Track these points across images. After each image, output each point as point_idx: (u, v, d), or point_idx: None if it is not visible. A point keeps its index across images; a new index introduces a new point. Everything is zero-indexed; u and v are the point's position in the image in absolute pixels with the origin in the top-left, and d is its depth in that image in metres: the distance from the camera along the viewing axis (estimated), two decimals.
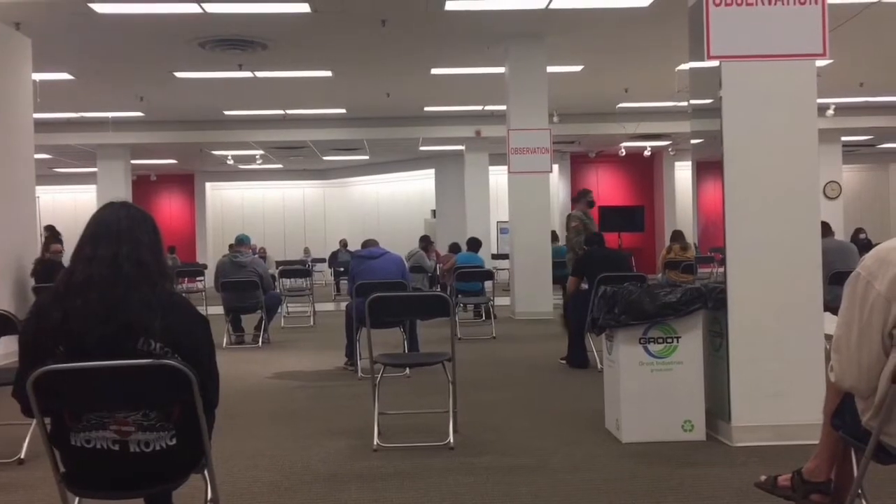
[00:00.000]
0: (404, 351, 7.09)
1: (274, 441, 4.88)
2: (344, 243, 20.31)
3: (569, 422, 5.20)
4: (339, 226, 24.09)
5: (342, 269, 16.81)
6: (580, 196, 9.96)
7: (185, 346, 2.37)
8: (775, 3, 4.46)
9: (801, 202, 4.58)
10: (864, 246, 11.73)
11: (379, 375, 4.77)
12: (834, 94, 14.57)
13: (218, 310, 9.65)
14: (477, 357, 8.06)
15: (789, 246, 4.53)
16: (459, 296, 10.69)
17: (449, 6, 9.30)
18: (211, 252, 23.17)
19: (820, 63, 4.77)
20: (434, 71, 12.73)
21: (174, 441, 2.39)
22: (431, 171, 22.10)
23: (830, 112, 15.27)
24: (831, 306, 3.94)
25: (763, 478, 3.05)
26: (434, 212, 22.06)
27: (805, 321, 4.46)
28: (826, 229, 8.98)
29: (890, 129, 18.14)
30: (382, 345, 6.05)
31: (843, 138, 19.50)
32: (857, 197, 22.77)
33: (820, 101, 13.61)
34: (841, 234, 15.76)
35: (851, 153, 21.40)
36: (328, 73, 12.82)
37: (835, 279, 6.44)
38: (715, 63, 4.58)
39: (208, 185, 25.05)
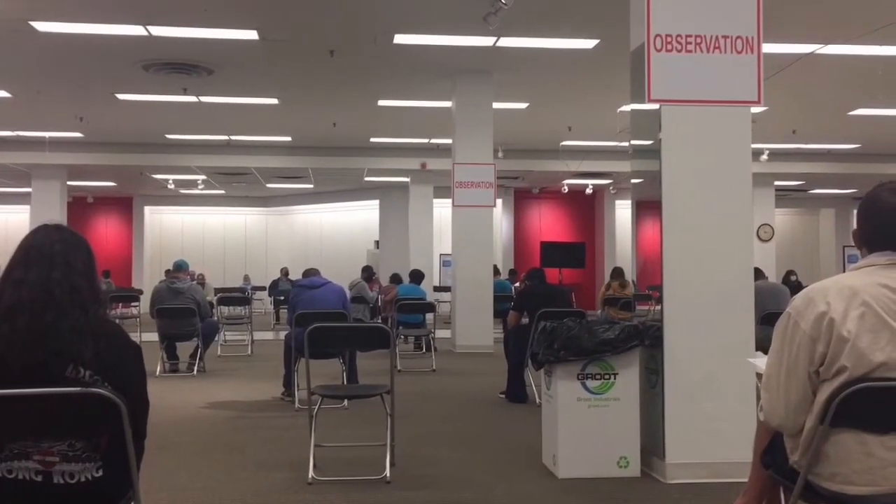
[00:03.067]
0: (343, 382, 7.01)
1: (206, 473, 4.76)
2: (285, 272, 20.10)
3: (506, 456, 5.19)
4: (281, 254, 23.85)
5: (282, 297, 16.60)
6: None
7: (115, 375, 2.30)
8: (713, 51, 4.62)
9: (735, 244, 4.70)
10: (795, 287, 12.06)
11: (316, 407, 4.71)
12: (768, 139, 15.06)
13: (153, 336, 9.42)
14: (417, 390, 8.01)
15: (723, 286, 4.64)
16: (400, 327, 10.65)
17: (398, 39, 9.37)
18: (148, 277, 22.66)
19: (755, 110, 4.93)
20: (381, 102, 12.79)
21: (100, 472, 2.31)
22: (376, 202, 22.10)
23: (764, 157, 15.78)
24: (763, 346, 4.04)
25: None
26: (377, 242, 22.02)
27: (738, 360, 4.56)
28: (758, 274, 9.21)
29: (820, 175, 18.80)
30: (321, 376, 5.97)
31: (776, 183, 20.13)
32: (789, 240, 23.49)
33: (754, 146, 14.06)
34: (773, 275, 16.21)
35: (784, 197, 22.10)
36: (274, 101, 12.77)
37: (766, 319, 6.60)
38: (655, 106, 4.70)
39: (147, 208, 24.58)
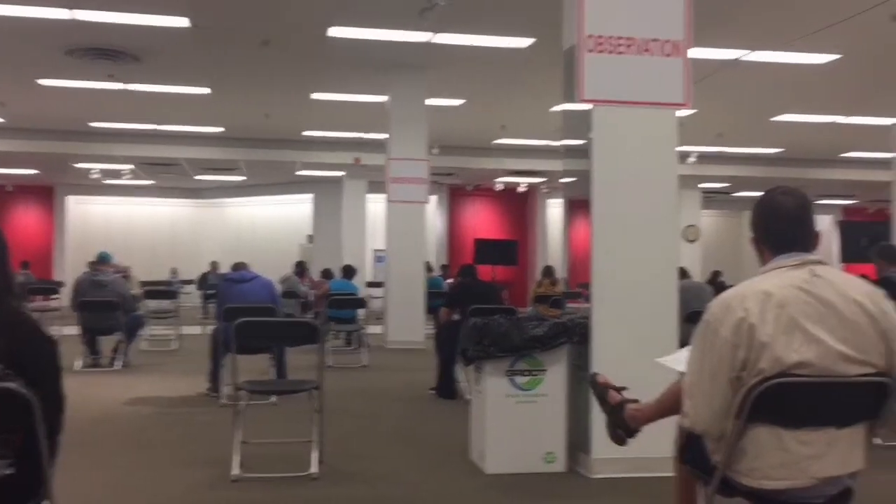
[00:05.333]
0: (272, 378, 6.92)
1: (127, 470, 4.64)
2: (215, 265, 19.73)
3: (435, 452, 5.20)
4: (211, 247, 23.37)
5: (211, 291, 16.28)
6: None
7: (28, 369, 2.21)
8: (643, 54, 4.70)
9: (661, 243, 4.80)
10: (721, 287, 12.39)
11: (243, 403, 4.63)
12: (695, 142, 15.44)
13: (74, 330, 9.13)
14: (347, 386, 7.96)
15: (649, 284, 4.73)
16: (332, 323, 10.57)
17: (332, 32, 9.28)
18: (70, 269, 21.94)
19: (683, 112, 5.04)
20: (314, 95, 12.65)
21: (11, 470, 2.22)
22: (309, 196, 21.87)
23: (692, 159, 16.17)
24: (687, 342, 4.13)
25: None
26: (310, 237, 21.79)
27: (662, 357, 4.64)
28: (683, 273, 9.43)
29: (745, 178, 19.36)
30: (250, 371, 5.88)
31: (703, 185, 20.66)
32: (715, 241, 24.13)
33: (682, 148, 14.32)
34: (699, 275, 16.62)
35: (710, 199, 22.69)
36: (206, 91, 12.51)
37: (690, 318, 6.75)
38: (586, 106, 4.76)
39: (70, 198, 23.79)
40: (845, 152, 17.42)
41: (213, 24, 9.13)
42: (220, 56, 10.58)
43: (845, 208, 24.65)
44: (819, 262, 2.40)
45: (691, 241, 20.66)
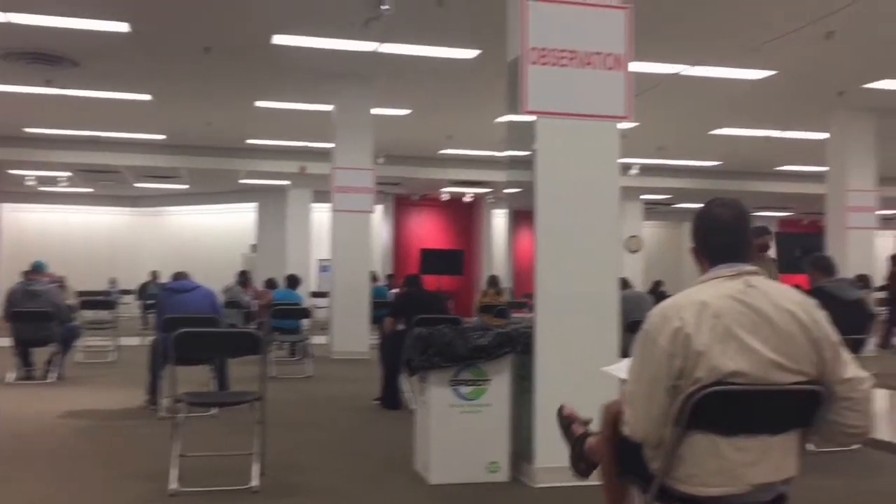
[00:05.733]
0: (214, 389, 6.80)
1: (60, 485, 4.50)
2: (155, 275, 19.34)
3: (379, 463, 5.17)
4: (152, 256, 22.89)
5: (151, 301, 15.95)
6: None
7: None
8: (586, 67, 4.76)
9: (604, 254, 4.86)
10: (662, 297, 12.59)
11: (181, 415, 4.54)
12: (637, 154, 15.71)
13: (7, 342, 8.85)
14: (290, 397, 7.87)
15: (591, 294, 4.78)
16: (275, 333, 10.44)
17: (276, 40, 9.21)
18: (4, 279, 21.24)
19: (625, 125, 5.12)
20: (259, 103, 12.53)
21: None
22: (253, 205, 21.62)
23: (634, 171, 16.45)
24: (628, 352, 4.19)
25: None
26: (254, 246, 21.54)
27: (603, 366, 4.69)
28: (625, 283, 9.56)
29: (685, 189, 19.77)
30: (191, 383, 5.76)
31: (645, 196, 21.04)
32: (657, 251, 24.56)
33: (625, 160, 14.55)
34: (641, 285, 16.89)
35: (652, 211, 23.10)
36: (147, 97, 12.28)
37: (631, 327, 6.85)
38: (530, 117, 4.80)
39: (4, 206, 23.10)
40: (780, 165, 17.92)
41: (154, 29, 8.99)
42: (161, 62, 10.41)
43: (781, 220, 25.34)
44: (755, 273, 2.46)
45: (633, 252, 21.01)
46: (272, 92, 11.89)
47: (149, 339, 8.14)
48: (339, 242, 11.50)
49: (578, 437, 3.00)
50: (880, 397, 7.45)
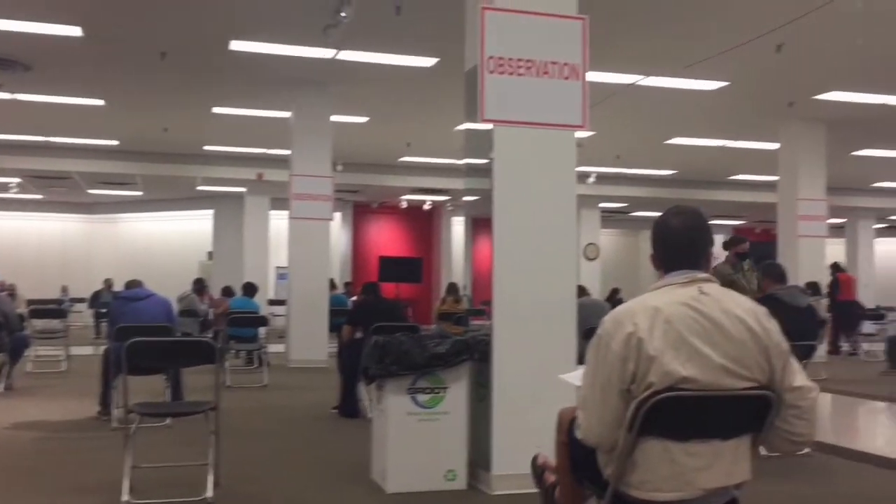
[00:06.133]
0: (168, 399, 6.69)
1: (10, 499, 4.38)
2: (108, 283, 19.00)
3: (336, 472, 5.13)
4: (105, 264, 22.49)
5: (104, 310, 15.66)
6: (728, 245, 7.85)
7: None
8: (543, 76, 4.80)
9: (561, 261, 4.89)
10: (619, 304, 12.74)
11: (134, 425, 4.45)
12: (595, 163, 15.88)
13: None
14: (246, 406, 7.77)
15: (549, 302, 4.81)
16: (231, 342, 10.32)
17: (233, 46, 9.13)
18: None
19: (583, 134, 5.17)
20: (216, 109, 12.40)
21: None
22: (210, 212, 21.37)
23: (591, 179, 16.61)
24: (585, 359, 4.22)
25: None
26: (210, 254, 21.27)
27: (561, 373, 4.72)
28: (582, 290, 9.64)
29: (642, 198, 20.02)
30: (145, 392, 5.66)
31: (602, 205, 21.26)
32: (614, 259, 24.81)
33: (582, 169, 14.70)
34: (599, 293, 17.06)
35: (609, 218, 23.34)
36: (100, 102, 12.08)
37: (588, 334, 6.89)
38: (488, 126, 4.82)
39: None
40: (734, 175, 18.25)
41: (108, 34, 8.85)
42: (115, 67, 10.26)
43: (734, 228, 25.78)
44: (707, 280, 2.50)
45: (591, 259, 21.21)
46: (229, 98, 11.78)
47: (101, 349, 7.99)
48: (297, 250, 11.43)
49: (549, 486, 3.03)
50: (829, 402, 7.65)
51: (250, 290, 11.79)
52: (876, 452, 6.11)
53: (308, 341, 11.20)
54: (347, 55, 9.46)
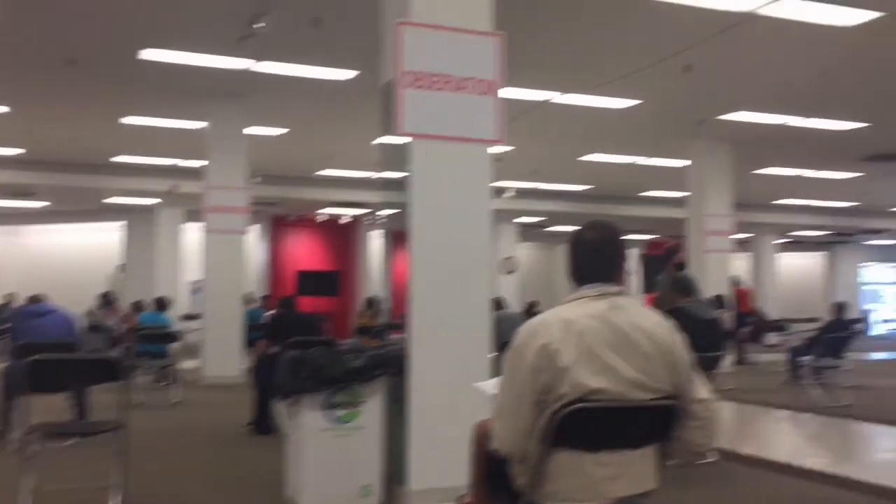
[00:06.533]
0: (74, 419, 6.44)
1: None
2: (10, 297, 18.17)
3: (249, 490, 5.03)
4: (7, 278, 21.51)
5: (5, 326, 14.97)
6: (667, 257, 8.40)
7: None
8: (459, 91, 4.84)
9: (476, 274, 4.93)
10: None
11: (35, 446, 4.27)
12: (513, 178, 16.07)
13: None
14: (156, 425, 7.55)
15: (465, 315, 4.84)
16: (141, 358, 10.01)
17: (143, 55, 8.90)
18: None
19: (499, 149, 5.23)
20: (126, 120, 12.05)
21: None
22: (120, 224, 20.72)
23: (509, 194, 16.80)
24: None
25: None
26: (121, 267, 20.62)
27: (479, 383, 4.75)
28: (499, 304, 9.74)
29: (559, 213, 20.37)
30: (49, 412, 5.43)
31: (520, 219, 21.54)
32: (532, 272, 25.16)
33: (500, 183, 14.79)
34: (517, 306, 17.23)
35: (527, 233, 23.67)
36: (4, 109, 11.59)
37: (505, 347, 6.97)
38: (405, 139, 4.84)
39: None
40: (646, 191, 18.76)
41: (13, 39, 8.51)
42: (20, 73, 9.87)
43: (649, 243, 26.50)
44: (619, 294, 2.55)
45: (509, 273, 21.43)
46: (141, 108, 11.47)
47: (1, 366, 7.63)
48: (211, 263, 11.21)
49: None
50: (734, 411, 7.92)
51: (162, 304, 11.48)
52: (777, 459, 6.36)
53: (223, 357, 10.97)
54: (265, 66, 9.34)
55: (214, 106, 11.01)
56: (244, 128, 11.27)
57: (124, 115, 11.81)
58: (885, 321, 28.01)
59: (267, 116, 11.74)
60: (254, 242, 20.77)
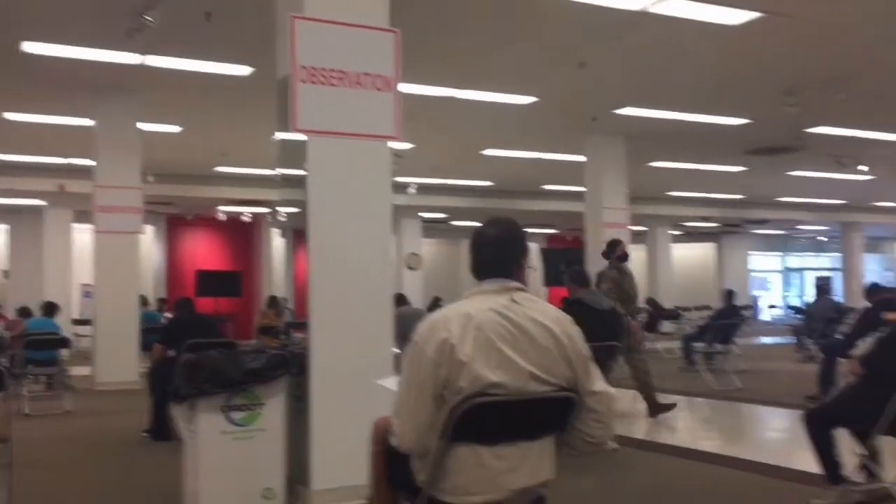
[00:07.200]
0: None
1: None
2: None
3: (145, 499, 4.87)
4: None
5: None
6: (610, 249, 7.99)
7: None
8: (356, 87, 4.81)
9: (376, 271, 4.91)
10: None
11: None
12: (415, 174, 16.10)
13: None
14: (45, 435, 7.22)
15: (366, 312, 4.81)
16: (29, 366, 9.54)
17: (26, 48, 8.46)
18: None
19: (399, 145, 5.22)
20: (8, 115, 11.45)
21: None
22: (4, 227, 19.69)
23: (412, 190, 16.82)
24: None
25: None
26: (6, 272, 19.61)
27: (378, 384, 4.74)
28: (402, 300, 9.73)
29: (461, 208, 20.52)
30: None
31: (423, 214, 21.59)
32: (436, 268, 25.25)
33: (402, 179, 14.81)
34: (421, 302, 17.29)
35: (430, 228, 23.75)
36: None
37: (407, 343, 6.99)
38: (302, 137, 4.77)
39: None
40: (546, 185, 19.11)
41: None
42: None
43: (549, 236, 27.01)
44: (518, 289, 2.58)
45: (413, 269, 21.45)
46: (24, 103, 10.92)
47: None
48: (103, 265, 10.80)
49: None
50: (632, 398, 8.15)
51: (50, 309, 10.96)
52: (672, 443, 6.60)
53: (117, 362, 10.59)
54: (156, 61, 9.03)
55: (103, 102, 10.60)
56: (136, 124, 10.88)
57: (6, 110, 11.22)
58: (772, 307, 29.46)
59: (160, 113, 11.37)
60: (149, 243, 20.11)
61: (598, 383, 2.60)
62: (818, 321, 12.33)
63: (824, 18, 7.98)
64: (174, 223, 21.73)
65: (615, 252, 7.83)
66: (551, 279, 21.60)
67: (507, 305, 2.51)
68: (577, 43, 8.54)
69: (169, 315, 12.53)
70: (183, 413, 4.83)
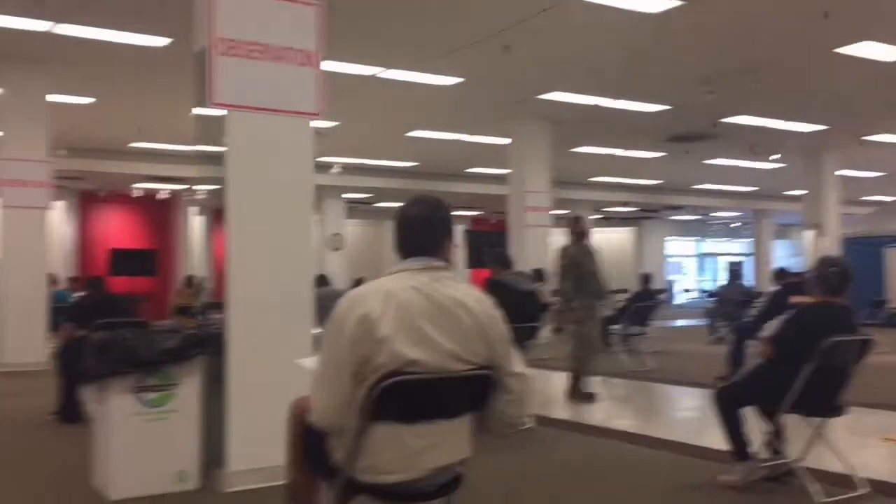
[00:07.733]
0: None
1: None
2: None
3: (53, 482, 4.70)
4: None
5: None
6: (571, 227, 7.71)
7: None
8: (278, 61, 4.70)
9: (297, 251, 4.83)
10: None
11: None
12: (339, 153, 15.92)
13: None
14: None
15: (285, 293, 4.73)
16: None
17: None
18: None
19: (323, 123, 5.13)
20: None
21: None
22: None
23: (336, 169, 16.64)
24: None
25: None
26: None
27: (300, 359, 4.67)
28: (323, 280, 9.62)
29: (386, 189, 20.42)
30: None
31: (347, 195, 21.40)
32: (360, 249, 25.10)
33: (326, 159, 14.63)
34: (345, 282, 17.16)
35: (355, 209, 23.57)
36: None
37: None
38: (222, 112, 4.63)
39: None
40: (471, 168, 19.18)
41: None
42: None
43: (474, 219, 27.13)
44: (441, 268, 2.57)
45: (336, 250, 21.28)
46: None
47: None
48: (10, 242, 10.39)
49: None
50: (550, 379, 8.27)
51: None
52: (589, 422, 6.73)
53: (24, 342, 10.20)
54: (67, 29, 8.66)
55: (10, 71, 10.14)
56: (45, 95, 10.44)
57: None
58: (686, 291, 30.37)
59: (72, 84, 10.94)
60: (59, 219, 19.38)
61: (517, 365, 2.62)
62: (729, 304, 12.75)
63: (740, 8, 8.21)
64: (87, 199, 20.96)
65: (573, 229, 7.61)
66: (474, 261, 21.72)
67: (428, 284, 2.50)
68: (501, 26, 8.55)
69: (80, 294, 12.11)
70: (93, 394, 4.68)
